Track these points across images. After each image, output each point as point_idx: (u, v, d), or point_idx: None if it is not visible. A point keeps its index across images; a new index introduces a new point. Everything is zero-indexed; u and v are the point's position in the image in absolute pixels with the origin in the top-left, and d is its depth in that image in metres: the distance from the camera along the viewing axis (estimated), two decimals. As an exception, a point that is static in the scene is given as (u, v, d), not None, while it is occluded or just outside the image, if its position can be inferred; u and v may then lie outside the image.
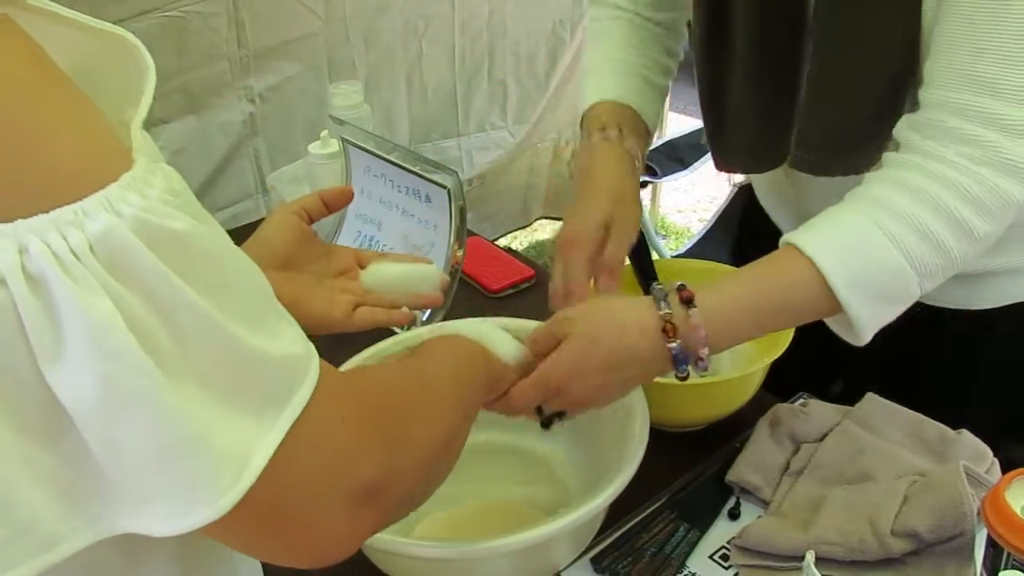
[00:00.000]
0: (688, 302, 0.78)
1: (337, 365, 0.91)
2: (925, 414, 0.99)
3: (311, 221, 0.86)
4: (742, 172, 1.23)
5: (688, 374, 0.81)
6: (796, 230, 0.82)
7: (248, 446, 0.44)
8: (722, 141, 1.07)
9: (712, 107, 1.05)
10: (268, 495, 0.45)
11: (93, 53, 0.48)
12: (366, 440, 0.51)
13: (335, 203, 0.88)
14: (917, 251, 0.78)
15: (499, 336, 0.80)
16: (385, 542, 0.77)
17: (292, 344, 0.48)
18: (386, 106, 2.38)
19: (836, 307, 0.79)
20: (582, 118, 1.05)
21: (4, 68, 0.40)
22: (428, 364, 0.68)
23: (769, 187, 1.18)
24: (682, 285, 0.79)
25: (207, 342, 0.43)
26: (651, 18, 1.09)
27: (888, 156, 0.83)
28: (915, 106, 0.84)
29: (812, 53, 0.90)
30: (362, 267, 0.87)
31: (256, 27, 2.04)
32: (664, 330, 0.78)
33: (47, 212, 0.39)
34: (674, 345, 0.78)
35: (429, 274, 0.88)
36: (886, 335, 0.83)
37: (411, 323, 0.90)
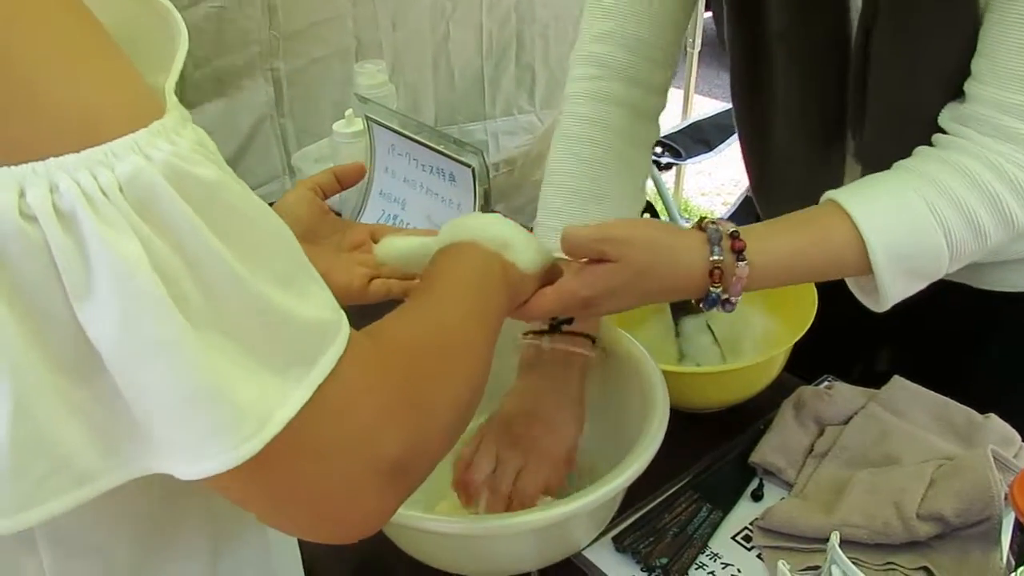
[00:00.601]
0: (739, 252, 0.78)
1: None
2: (955, 398, 0.98)
3: (325, 196, 0.88)
4: None
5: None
6: (846, 190, 0.82)
7: (272, 401, 0.44)
8: (768, 189, 1.06)
9: (756, 155, 1.04)
10: (290, 458, 0.45)
11: (128, 16, 0.48)
12: (393, 414, 0.49)
13: (348, 179, 0.90)
14: (959, 235, 0.79)
15: (521, 241, 0.76)
16: (407, 519, 0.77)
17: (322, 307, 0.48)
18: (412, 88, 2.38)
19: (868, 272, 0.80)
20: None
21: (39, 9, 0.40)
22: (449, 308, 0.65)
23: None
24: (735, 232, 0.78)
25: (233, 295, 0.43)
26: (636, 137, 1.00)
27: (942, 139, 0.83)
28: (960, 96, 0.83)
29: (873, 86, 0.88)
30: (375, 241, 0.88)
31: (287, 10, 2.05)
32: (711, 273, 0.78)
33: (78, 152, 0.39)
34: (715, 290, 0.78)
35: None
36: (913, 314, 0.83)
37: None
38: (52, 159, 0.38)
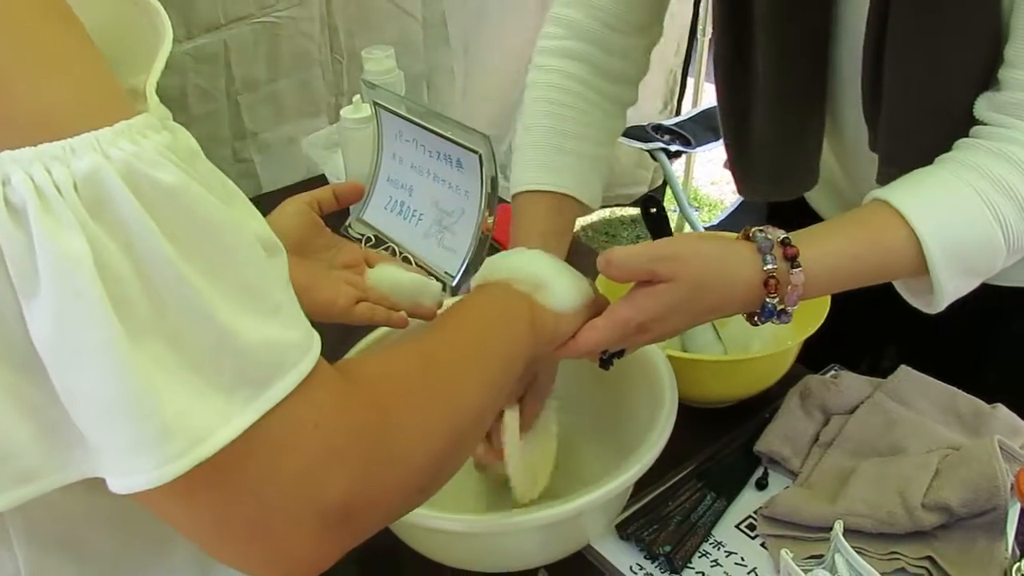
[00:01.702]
0: (792, 259, 0.75)
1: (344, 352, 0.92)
2: (963, 389, 0.98)
3: (322, 212, 0.89)
4: (765, 199, 1.18)
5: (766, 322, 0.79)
6: (893, 189, 0.80)
7: (210, 421, 0.42)
8: (744, 168, 1.05)
9: (735, 133, 1.04)
10: (224, 486, 0.43)
11: (116, 15, 0.48)
12: (340, 456, 0.46)
13: (346, 198, 0.92)
14: (1016, 227, 0.76)
15: (558, 279, 0.74)
16: (415, 515, 0.76)
17: (289, 328, 0.45)
18: (486, 115, 2.28)
19: (923, 272, 0.78)
20: (512, 197, 0.99)
21: (5, 6, 0.40)
22: (443, 346, 0.62)
23: None
24: (786, 239, 0.76)
25: (181, 304, 0.41)
26: (608, 46, 1.00)
27: (984, 130, 0.81)
28: (994, 84, 0.82)
29: (892, 79, 0.87)
30: (370, 266, 0.89)
31: (349, 31, 1.95)
32: (766, 283, 0.75)
33: (34, 146, 0.38)
34: (772, 300, 0.76)
35: (432, 288, 0.90)
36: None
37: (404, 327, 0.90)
38: (6, 152, 0.38)
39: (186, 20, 1.66)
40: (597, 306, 0.77)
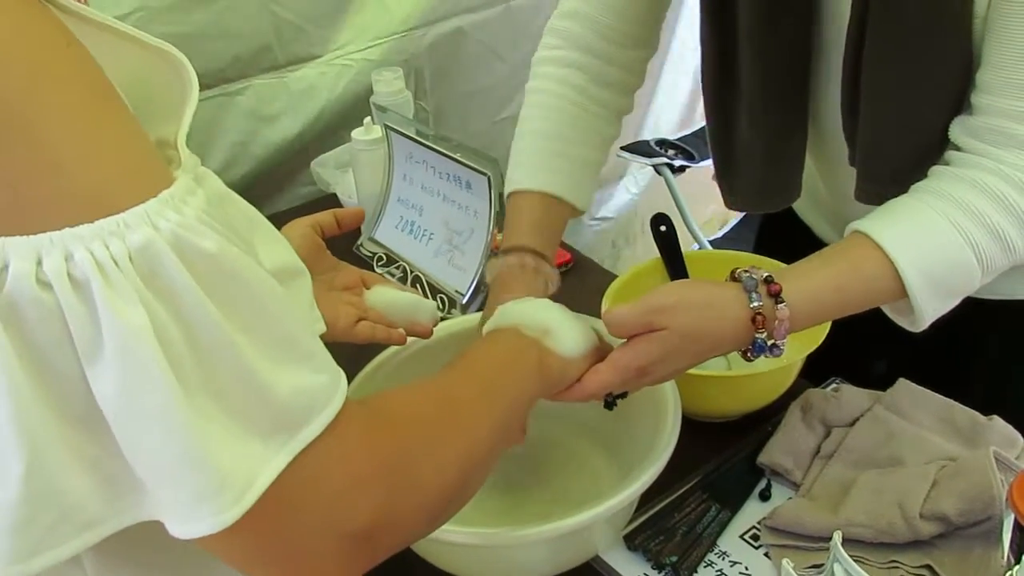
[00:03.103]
0: (776, 295, 0.80)
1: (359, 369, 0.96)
2: (959, 400, 1.00)
3: (324, 236, 0.93)
4: (750, 211, 1.24)
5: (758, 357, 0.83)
6: (871, 220, 0.83)
7: (254, 467, 0.45)
8: (730, 180, 1.08)
9: (720, 146, 1.06)
10: (264, 521, 0.46)
11: (142, 67, 0.50)
12: (365, 485, 0.50)
13: (347, 223, 0.95)
14: (988, 250, 0.80)
15: (565, 325, 0.79)
16: None
17: (317, 374, 0.49)
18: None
19: (903, 296, 0.82)
20: (508, 196, 1.02)
21: (61, 91, 0.42)
22: (460, 386, 0.66)
23: None
24: (769, 277, 0.80)
25: (225, 361, 0.44)
26: (609, 58, 1.03)
27: (956, 156, 0.84)
28: (968, 108, 0.85)
29: (868, 96, 0.90)
30: (367, 287, 0.93)
31: (435, 78, 1.92)
32: (753, 320, 0.80)
33: (92, 222, 0.41)
34: (761, 336, 0.80)
35: (429, 307, 0.94)
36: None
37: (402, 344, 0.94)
38: (68, 230, 0.40)
39: (251, 61, 1.69)
40: (601, 351, 0.81)
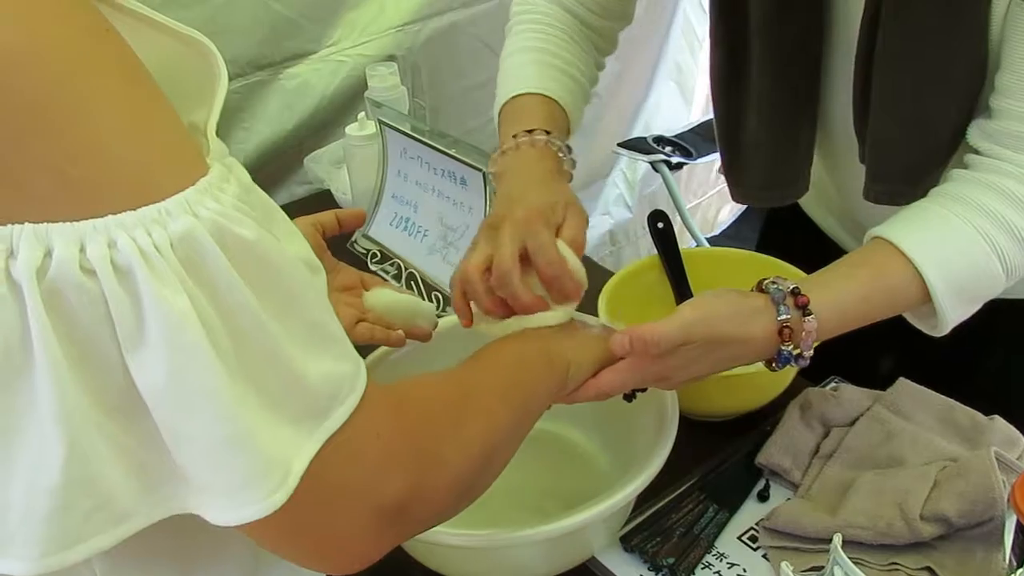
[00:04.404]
0: (804, 307, 0.79)
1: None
2: (963, 401, 0.99)
3: (325, 235, 0.93)
4: (756, 204, 1.23)
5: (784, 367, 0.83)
6: (893, 227, 0.82)
7: (289, 451, 0.46)
8: (737, 173, 1.07)
9: (728, 139, 1.06)
10: (300, 502, 0.46)
11: (173, 55, 0.50)
12: (398, 459, 0.51)
13: (348, 224, 0.96)
14: (1012, 255, 0.80)
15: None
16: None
17: (342, 358, 0.50)
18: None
19: (927, 303, 0.81)
20: (500, 111, 1.00)
21: (103, 76, 0.42)
22: (475, 378, 0.68)
23: None
24: (796, 289, 0.79)
25: (260, 347, 0.45)
26: (584, 20, 1.05)
27: (976, 160, 0.84)
28: (986, 111, 0.84)
29: (879, 94, 0.89)
30: (366, 288, 0.93)
31: (432, 73, 1.94)
32: (780, 332, 0.79)
33: (134, 209, 0.41)
34: (787, 348, 0.79)
35: (428, 310, 0.94)
36: None
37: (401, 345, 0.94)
38: (111, 217, 0.41)
39: (266, 55, 1.70)
40: (610, 356, 0.80)
